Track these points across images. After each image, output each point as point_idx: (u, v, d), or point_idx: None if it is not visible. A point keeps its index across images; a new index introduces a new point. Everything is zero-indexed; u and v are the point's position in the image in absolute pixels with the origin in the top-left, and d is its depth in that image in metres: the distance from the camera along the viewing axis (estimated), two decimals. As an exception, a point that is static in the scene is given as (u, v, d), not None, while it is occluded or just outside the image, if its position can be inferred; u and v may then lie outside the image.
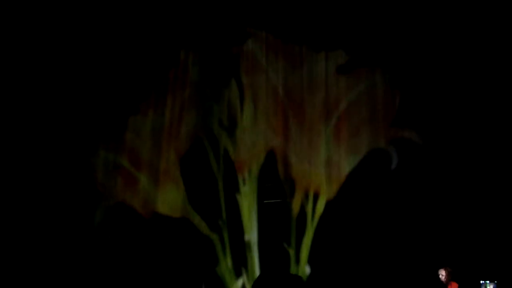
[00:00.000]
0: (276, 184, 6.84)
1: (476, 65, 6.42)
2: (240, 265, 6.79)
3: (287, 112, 6.93)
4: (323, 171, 6.74)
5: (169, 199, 6.85)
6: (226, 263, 6.75)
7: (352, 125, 6.78)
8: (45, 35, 6.92)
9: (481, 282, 5.75)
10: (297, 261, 6.58)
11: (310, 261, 6.58)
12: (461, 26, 6.48)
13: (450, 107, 6.57)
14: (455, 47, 6.52)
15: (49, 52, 6.96)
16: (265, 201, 6.83)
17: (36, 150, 6.83)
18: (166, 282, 6.59)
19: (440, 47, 6.61)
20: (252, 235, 6.79)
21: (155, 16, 7.13)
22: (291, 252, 6.68)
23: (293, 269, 6.48)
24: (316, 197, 6.77)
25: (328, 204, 6.73)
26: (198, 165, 6.94)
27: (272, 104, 6.94)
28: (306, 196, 6.78)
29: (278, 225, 6.75)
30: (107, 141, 7.05)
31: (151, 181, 6.96)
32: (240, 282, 6.75)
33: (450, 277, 5.51)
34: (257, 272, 6.71)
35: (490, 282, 5.77)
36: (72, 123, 6.97)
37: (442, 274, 5.53)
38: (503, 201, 6.16)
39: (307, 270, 6.56)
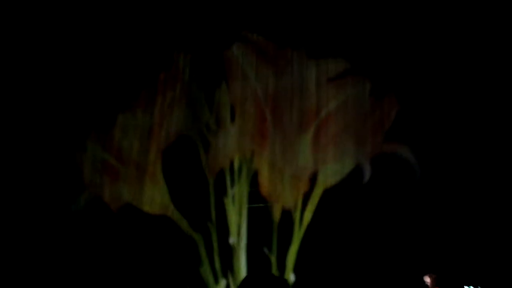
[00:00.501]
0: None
1: (472, 74, 6.43)
2: (225, 268, 6.74)
3: (267, 118, 6.86)
4: (299, 179, 6.70)
5: (152, 196, 6.80)
6: (210, 265, 6.70)
7: (336, 135, 6.73)
8: (40, 31, 6.99)
9: (465, 287, 5.78)
10: (280, 268, 6.55)
11: (295, 269, 6.56)
12: (460, 35, 6.53)
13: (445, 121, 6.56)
14: (452, 56, 6.51)
15: (45, 47, 7.05)
16: (248, 206, 6.81)
17: (22, 142, 6.89)
18: (147, 278, 6.55)
19: (436, 56, 6.62)
20: (238, 238, 6.74)
21: (150, 15, 7.11)
22: (273, 258, 6.64)
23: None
24: (304, 205, 6.76)
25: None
26: (188, 165, 6.91)
27: (251, 109, 6.93)
28: (295, 204, 6.73)
29: (264, 230, 6.77)
30: (95, 136, 7.09)
31: (134, 177, 6.87)
32: (223, 283, 6.71)
33: (435, 283, 5.54)
34: (242, 275, 6.69)
35: (474, 287, 5.80)
36: (61, 116, 7.01)
37: (427, 281, 5.56)
38: (487, 206, 6.18)
39: (291, 278, 6.56)
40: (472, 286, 5.72)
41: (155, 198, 6.90)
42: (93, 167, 7.04)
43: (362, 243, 6.45)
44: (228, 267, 6.76)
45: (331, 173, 6.77)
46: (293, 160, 6.85)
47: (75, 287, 6.54)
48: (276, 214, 6.80)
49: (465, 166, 6.44)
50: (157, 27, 7.18)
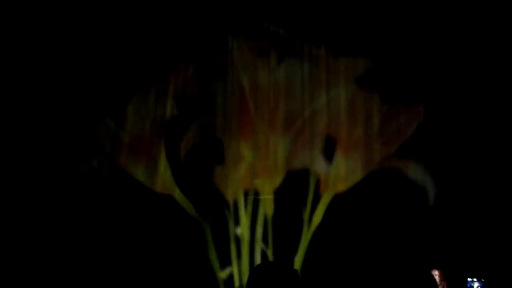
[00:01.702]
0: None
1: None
2: (230, 255, 6.87)
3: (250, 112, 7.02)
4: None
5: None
6: (216, 251, 6.84)
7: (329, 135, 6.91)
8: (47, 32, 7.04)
9: (468, 280, 5.84)
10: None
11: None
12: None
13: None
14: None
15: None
16: (247, 196, 6.95)
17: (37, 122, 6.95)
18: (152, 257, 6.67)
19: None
20: (245, 228, 6.88)
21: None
22: (269, 252, 6.79)
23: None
24: (314, 206, 6.86)
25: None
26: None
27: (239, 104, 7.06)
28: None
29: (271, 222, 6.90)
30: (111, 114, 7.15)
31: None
32: (228, 270, 6.77)
33: (443, 277, 5.60)
34: (247, 264, 6.82)
35: (477, 280, 5.85)
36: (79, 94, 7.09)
37: (436, 274, 5.62)
38: (489, 200, 6.23)
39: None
40: (476, 278, 5.78)
41: (162, 179, 6.91)
42: (111, 141, 7.08)
43: (367, 240, 6.50)
44: (235, 255, 6.83)
45: (340, 178, 6.85)
46: (268, 156, 6.89)
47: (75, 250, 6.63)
48: (269, 208, 6.84)
49: (468, 163, 6.47)
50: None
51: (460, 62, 6.66)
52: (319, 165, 6.94)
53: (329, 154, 6.94)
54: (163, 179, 6.98)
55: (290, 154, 6.95)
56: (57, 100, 6.97)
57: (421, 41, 6.75)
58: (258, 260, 6.81)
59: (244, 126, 7.04)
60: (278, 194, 6.90)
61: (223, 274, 6.82)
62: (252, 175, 6.96)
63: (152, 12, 7.13)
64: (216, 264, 6.83)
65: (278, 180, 6.92)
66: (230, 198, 6.94)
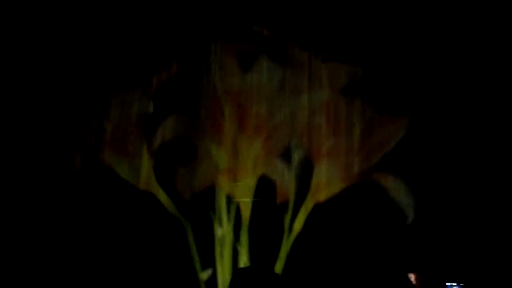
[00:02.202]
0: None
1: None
2: (211, 256, 6.87)
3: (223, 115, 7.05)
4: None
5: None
6: (196, 251, 6.84)
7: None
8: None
9: (447, 284, 5.89)
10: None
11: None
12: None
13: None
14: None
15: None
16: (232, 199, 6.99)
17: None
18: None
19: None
20: (227, 230, 6.91)
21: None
22: (244, 257, 6.83)
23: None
24: (296, 212, 6.91)
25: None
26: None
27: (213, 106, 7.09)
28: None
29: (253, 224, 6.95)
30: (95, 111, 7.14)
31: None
32: (210, 271, 6.78)
33: (418, 281, 5.65)
34: (229, 266, 6.84)
35: (456, 284, 5.91)
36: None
37: (412, 278, 5.66)
38: (468, 206, 6.30)
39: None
40: (455, 283, 5.84)
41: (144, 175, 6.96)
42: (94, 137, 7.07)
43: (346, 246, 6.55)
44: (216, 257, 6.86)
45: (322, 187, 6.88)
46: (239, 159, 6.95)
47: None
48: (245, 211, 6.91)
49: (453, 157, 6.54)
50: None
51: (449, 76, 6.72)
52: (276, 173, 6.98)
53: (309, 162, 6.97)
54: (146, 177, 6.99)
55: (257, 158, 6.99)
56: (40, 96, 6.95)
57: (410, 51, 6.81)
58: (240, 263, 6.83)
59: (216, 127, 7.06)
60: (260, 198, 6.93)
61: (204, 275, 6.82)
62: (224, 178, 6.98)
63: (138, 13, 7.16)
64: (197, 264, 6.84)
65: (250, 184, 6.95)
66: (186, 197, 6.93)
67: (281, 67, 7.09)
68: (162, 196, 6.93)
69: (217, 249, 6.84)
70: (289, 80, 7.06)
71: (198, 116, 7.09)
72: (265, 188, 6.91)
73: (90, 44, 7.10)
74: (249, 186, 6.92)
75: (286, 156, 6.91)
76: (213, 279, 6.83)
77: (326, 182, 6.84)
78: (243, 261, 6.81)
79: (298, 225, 6.88)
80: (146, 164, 7.00)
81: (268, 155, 6.96)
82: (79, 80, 7.04)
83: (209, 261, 6.87)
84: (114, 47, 7.11)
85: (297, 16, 7.05)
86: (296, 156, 6.95)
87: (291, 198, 6.91)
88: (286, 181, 6.89)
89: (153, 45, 7.18)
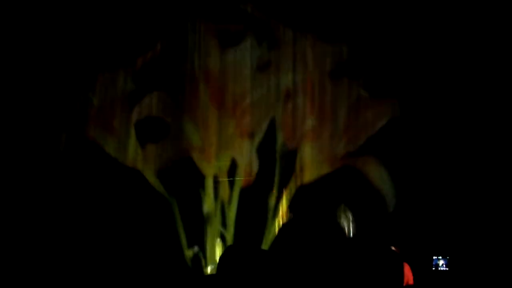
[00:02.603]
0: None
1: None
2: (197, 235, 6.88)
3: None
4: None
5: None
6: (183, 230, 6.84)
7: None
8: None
9: (434, 258, 5.95)
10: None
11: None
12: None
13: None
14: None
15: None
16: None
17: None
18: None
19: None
20: (211, 209, 6.91)
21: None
22: (228, 236, 6.87)
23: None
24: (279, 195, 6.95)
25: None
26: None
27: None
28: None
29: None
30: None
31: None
32: (195, 249, 6.80)
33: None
34: (214, 245, 6.87)
35: (442, 257, 5.97)
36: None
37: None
38: (455, 179, 6.32)
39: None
40: (441, 256, 5.90)
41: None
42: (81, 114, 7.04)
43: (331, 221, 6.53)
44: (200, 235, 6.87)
45: (305, 169, 6.87)
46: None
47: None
48: (224, 191, 6.91)
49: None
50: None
51: (440, 63, 6.69)
52: (239, 154, 6.99)
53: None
54: (133, 154, 6.99)
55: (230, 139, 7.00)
56: (27, 75, 6.89)
57: (402, 33, 6.77)
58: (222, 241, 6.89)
59: (193, 106, 7.05)
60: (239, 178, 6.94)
61: (189, 252, 6.85)
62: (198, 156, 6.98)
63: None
64: (184, 241, 6.85)
65: (225, 163, 6.96)
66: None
67: (264, 46, 7.04)
68: (148, 174, 6.94)
69: (205, 226, 6.90)
70: (272, 59, 7.01)
71: (177, 94, 7.08)
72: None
73: (77, 25, 7.01)
74: (225, 166, 6.94)
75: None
76: (198, 256, 6.88)
77: (310, 165, 6.86)
78: (229, 239, 6.89)
79: (282, 206, 6.89)
80: (133, 142, 6.99)
81: (241, 136, 6.96)
82: (67, 59, 6.99)
83: (196, 239, 6.90)
84: (100, 27, 7.04)
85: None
86: (279, 138, 6.98)
87: (276, 179, 6.89)
88: (250, 163, 6.88)
89: (138, 24, 7.11)
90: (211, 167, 6.96)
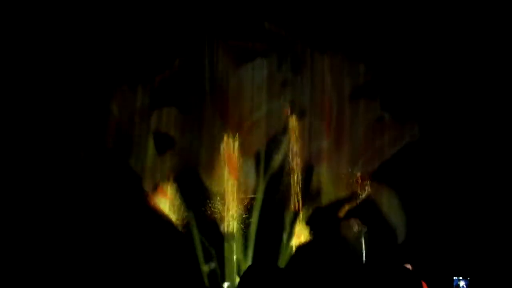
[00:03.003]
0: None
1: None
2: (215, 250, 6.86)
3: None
4: None
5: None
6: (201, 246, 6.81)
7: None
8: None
9: (454, 278, 5.87)
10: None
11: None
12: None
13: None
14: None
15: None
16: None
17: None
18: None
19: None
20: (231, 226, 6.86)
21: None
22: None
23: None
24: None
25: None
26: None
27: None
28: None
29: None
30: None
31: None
32: (212, 265, 6.77)
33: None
34: (233, 260, 6.80)
35: (463, 278, 5.89)
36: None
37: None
38: (475, 200, 6.24)
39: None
40: (462, 277, 5.81)
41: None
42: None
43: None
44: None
45: (320, 192, 6.84)
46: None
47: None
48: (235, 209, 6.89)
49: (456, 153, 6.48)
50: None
51: (458, 86, 6.61)
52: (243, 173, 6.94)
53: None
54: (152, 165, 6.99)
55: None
56: (54, 89, 6.96)
57: (422, 56, 6.71)
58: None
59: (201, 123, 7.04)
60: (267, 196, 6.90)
61: (206, 268, 6.82)
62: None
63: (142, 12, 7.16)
64: (200, 257, 6.83)
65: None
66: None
67: (282, 64, 7.02)
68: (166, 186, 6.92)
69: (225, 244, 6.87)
70: (289, 78, 7.00)
71: (186, 110, 7.06)
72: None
73: (102, 43, 7.08)
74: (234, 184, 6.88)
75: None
76: (214, 272, 6.88)
77: (325, 188, 6.81)
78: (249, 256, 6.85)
79: (298, 226, 6.82)
80: (151, 157, 7.02)
81: (245, 155, 6.92)
82: (88, 75, 7.06)
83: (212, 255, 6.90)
84: (122, 44, 7.10)
85: (304, 14, 7.01)
86: (295, 159, 6.91)
87: (293, 200, 6.82)
88: (251, 182, 6.84)
89: (156, 41, 7.17)
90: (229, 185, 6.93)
